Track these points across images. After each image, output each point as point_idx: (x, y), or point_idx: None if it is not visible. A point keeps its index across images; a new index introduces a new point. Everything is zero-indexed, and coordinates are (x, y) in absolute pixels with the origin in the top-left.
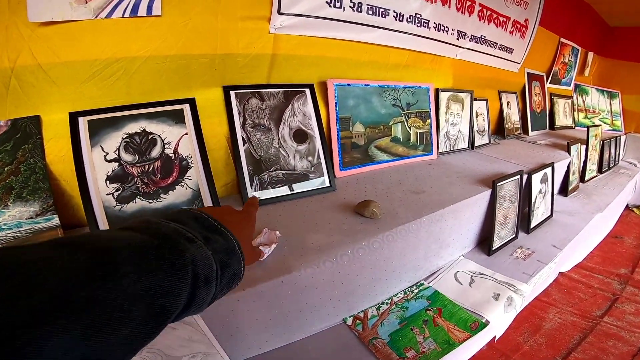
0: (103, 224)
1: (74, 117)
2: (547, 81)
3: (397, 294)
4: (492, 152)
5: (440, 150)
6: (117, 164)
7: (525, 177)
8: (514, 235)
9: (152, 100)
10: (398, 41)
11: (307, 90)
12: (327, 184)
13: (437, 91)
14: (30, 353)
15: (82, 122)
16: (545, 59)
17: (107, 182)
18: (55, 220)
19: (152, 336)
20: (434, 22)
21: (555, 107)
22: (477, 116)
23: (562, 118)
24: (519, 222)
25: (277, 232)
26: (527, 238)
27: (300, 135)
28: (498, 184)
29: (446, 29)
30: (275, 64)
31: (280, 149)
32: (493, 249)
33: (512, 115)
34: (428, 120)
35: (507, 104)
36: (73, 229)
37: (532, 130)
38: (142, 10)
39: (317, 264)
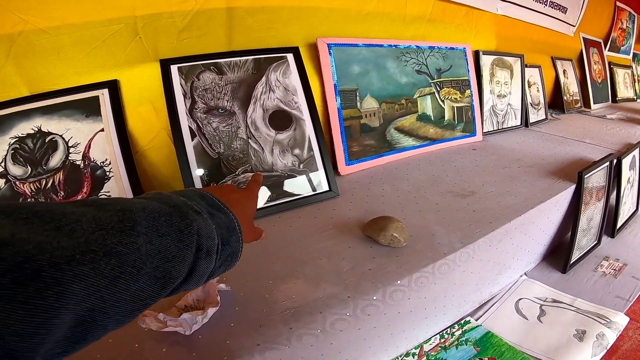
0: None
1: None
2: (605, 48)
3: (429, 340)
4: (554, 130)
5: (485, 130)
6: (4, 180)
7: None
8: (595, 242)
9: (52, 88)
10: None
11: (290, 56)
12: (325, 188)
13: (476, 54)
14: (50, 297)
15: None
16: (602, 24)
17: None
18: None
19: (153, 299)
20: None
21: (616, 77)
22: (529, 86)
23: (623, 89)
24: (604, 223)
25: (222, 285)
26: (613, 244)
27: (280, 119)
28: (586, 176)
29: None
30: (235, 23)
31: (249, 140)
32: (571, 263)
33: (570, 85)
34: (468, 91)
35: (564, 73)
36: None
37: (594, 103)
38: None
39: (287, 342)
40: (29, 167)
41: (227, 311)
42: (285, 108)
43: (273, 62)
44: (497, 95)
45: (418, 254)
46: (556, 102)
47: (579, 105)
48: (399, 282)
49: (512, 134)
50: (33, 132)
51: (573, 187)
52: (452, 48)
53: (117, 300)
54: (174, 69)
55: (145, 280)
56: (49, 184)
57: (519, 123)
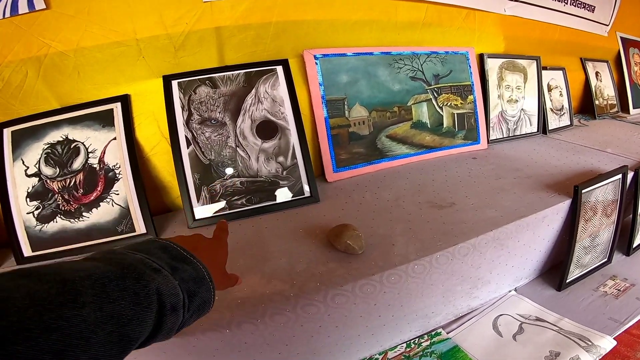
0: (25, 245)
1: None
2: None
3: (395, 347)
4: (575, 138)
5: (493, 137)
6: (38, 178)
7: (630, 175)
8: (605, 260)
9: (77, 102)
10: None
11: (279, 68)
12: (307, 194)
13: (481, 57)
14: None
15: (6, 133)
16: None
17: (28, 199)
18: None
19: None
20: None
21: None
22: (550, 90)
23: None
24: (615, 241)
25: None
26: (626, 263)
27: (266, 129)
28: (583, 191)
29: None
30: (225, 41)
31: (237, 148)
32: (567, 281)
33: (605, 88)
34: (470, 97)
35: (597, 75)
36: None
37: (633, 108)
38: (23, 6)
39: (227, 326)
40: (57, 168)
41: None
42: (272, 118)
43: (263, 74)
44: (507, 101)
45: (370, 262)
46: (588, 106)
47: (615, 110)
48: (342, 286)
49: (525, 142)
50: (62, 139)
51: (568, 202)
52: (452, 52)
53: None
54: (174, 84)
55: (99, 347)
56: (72, 183)
57: (535, 130)
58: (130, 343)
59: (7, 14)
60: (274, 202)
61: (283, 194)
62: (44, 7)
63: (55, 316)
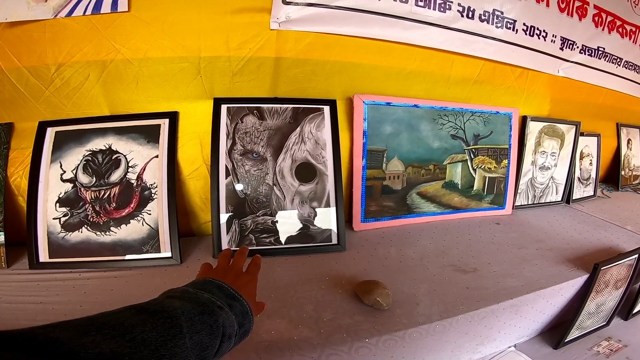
0: (43, 251)
1: (42, 127)
2: None
3: None
4: (597, 211)
5: (518, 203)
6: (72, 185)
7: None
8: (603, 324)
9: (128, 112)
10: (464, 45)
11: (326, 109)
12: (334, 241)
13: (524, 120)
14: None
15: (50, 132)
16: None
17: (57, 204)
18: (0, 238)
19: None
20: (524, 24)
21: None
22: (581, 158)
23: None
24: (618, 308)
25: None
26: (622, 326)
27: (305, 171)
28: (603, 268)
29: (543, 34)
30: (281, 72)
31: (274, 187)
32: (565, 340)
33: (633, 158)
34: (505, 161)
35: (628, 143)
36: (20, 246)
37: None
38: (106, 6)
39: None
40: (94, 178)
41: None
42: (313, 161)
43: (310, 113)
44: (540, 168)
45: (394, 319)
46: (613, 176)
47: (638, 182)
48: (367, 340)
49: (548, 210)
50: (104, 148)
51: (586, 276)
52: (496, 112)
53: None
54: (223, 108)
55: None
56: (106, 195)
57: (559, 199)
58: None
59: (89, 12)
60: (301, 245)
61: (311, 239)
62: (126, 9)
63: (173, 344)
